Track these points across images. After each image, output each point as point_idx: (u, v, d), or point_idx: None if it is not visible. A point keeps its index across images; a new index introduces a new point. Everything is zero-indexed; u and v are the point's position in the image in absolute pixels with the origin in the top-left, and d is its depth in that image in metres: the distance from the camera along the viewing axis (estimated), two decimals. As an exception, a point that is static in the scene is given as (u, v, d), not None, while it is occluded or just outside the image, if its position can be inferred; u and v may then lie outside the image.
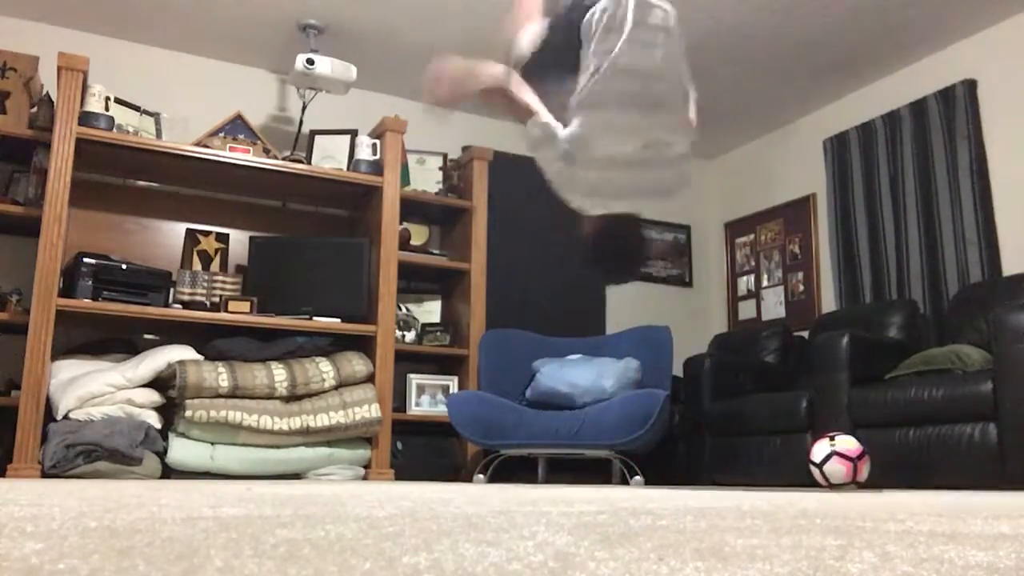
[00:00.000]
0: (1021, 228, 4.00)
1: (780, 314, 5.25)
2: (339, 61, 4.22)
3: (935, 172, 4.32)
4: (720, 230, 5.73)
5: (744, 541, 0.74)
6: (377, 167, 4.32)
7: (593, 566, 0.56)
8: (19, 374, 3.51)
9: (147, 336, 4.16)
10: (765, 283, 5.42)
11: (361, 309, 4.19)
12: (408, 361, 4.51)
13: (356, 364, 4.01)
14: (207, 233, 4.30)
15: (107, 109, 3.86)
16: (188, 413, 3.56)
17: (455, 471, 4.36)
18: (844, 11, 4.04)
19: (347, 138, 4.45)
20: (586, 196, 2.24)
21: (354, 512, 1.07)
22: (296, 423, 3.73)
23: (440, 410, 4.40)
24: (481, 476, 4.07)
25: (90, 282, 3.68)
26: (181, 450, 3.57)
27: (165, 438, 3.60)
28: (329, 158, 4.38)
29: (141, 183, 4.30)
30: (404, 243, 4.46)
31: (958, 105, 4.23)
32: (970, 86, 4.22)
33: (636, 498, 1.75)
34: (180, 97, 4.40)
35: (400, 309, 4.46)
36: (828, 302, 4.94)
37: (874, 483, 3.12)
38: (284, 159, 4.23)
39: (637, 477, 3.93)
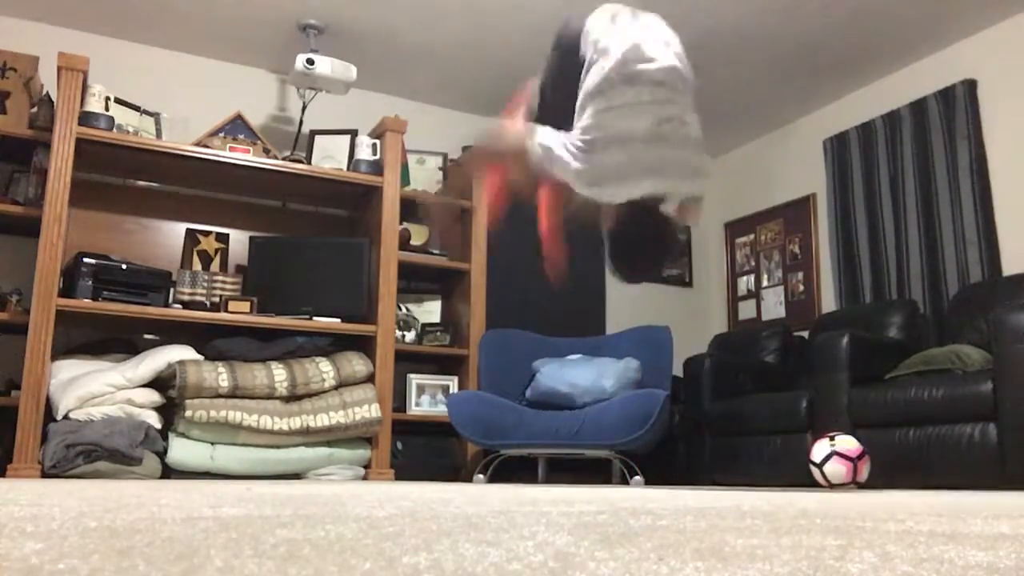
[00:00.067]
0: (1021, 228, 4.00)
1: (780, 314, 5.25)
2: (339, 61, 4.22)
3: (935, 172, 4.32)
4: (720, 230, 5.73)
5: (744, 541, 0.74)
6: (377, 167, 4.32)
7: (593, 566, 0.56)
8: (19, 374, 3.51)
9: (147, 336, 4.16)
10: (765, 283, 5.42)
11: (361, 309, 4.19)
12: (408, 361, 4.51)
13: (356, 364, 4.01)
14: (207, 233, 4.30)
15: (107, 109, 3.86)
16: (188, 413, 3.56)
17: (455, 471, 4.36)
18: (844, 11, 4.04)
19: (347, 138, 4.45)
20: (614, 182, 2.16)
21: (354, 512, 1.07)
22: (296, 423, 3.73)
23: (440, 410, 4.40)
24: (481, 476, 4.07)
25: (90, 282, 3.68)
26: (181, 450, 3.57)
27: (165, 438, 3.60)
28: (329, 158, 4.38)
29: (141, 183, 4.30)
30: (404, 243, 4.46)
31: (958, 105, 4.23)
32: (970, 86, 4.22)
33: (636, 498, 1.75)
34: (180, 97, 4.40)
35: (400, 309, 4.46)
36: (828, 302, 4.94)
37: (874, 483, 3.12)
38: (284, 159, 4.23)
39: (637, 477, 3.93)
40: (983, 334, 3.43)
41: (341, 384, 3.94)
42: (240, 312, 3.94)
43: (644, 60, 2.19)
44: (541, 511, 1.15)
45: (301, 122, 4.52)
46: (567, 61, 2.34)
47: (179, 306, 3.93)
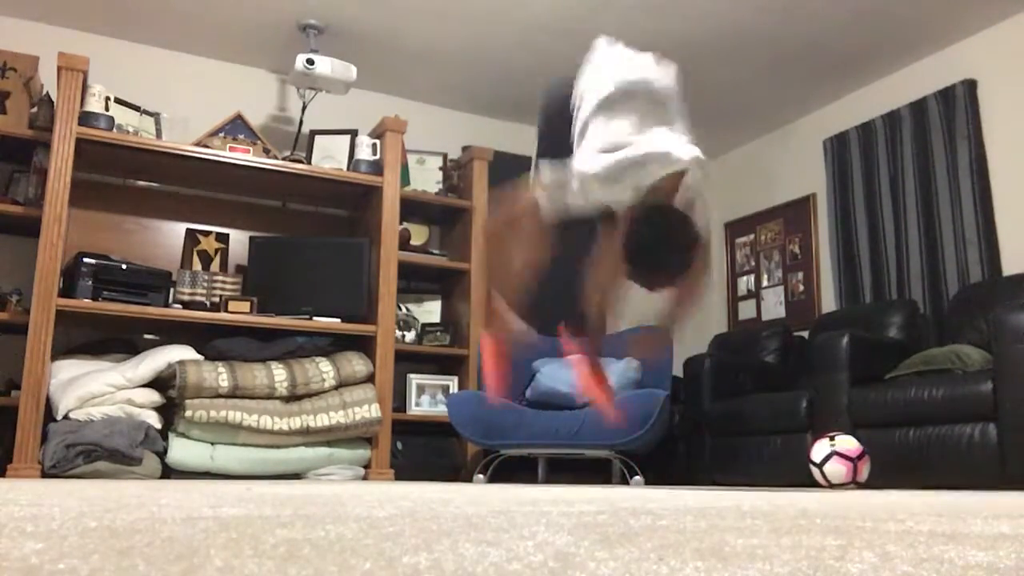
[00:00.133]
0: (1021, 228, 4.00)
1: (780, 314, 5.24)
2: (339, 61, 4.22)
3: (935, 172, 4.32)
4: (720, 230, 5.73)
5: (744, 541, 0.74)
6: (377, 167, 4.32)
7: (593, 566, 0.56)
8: (19, 374, 3.51)
9: (147, 336, 4.16)
10: (765, 283, 5.42)
11: (361, 309, 4.19)
12: (408, 361, 4.51)
13: (356, 364, 4.01)
14: (207, 233, 4.30)
15: (107, 109, 3.86)
16: (188, 413, 3.56)
17: (455, 471, 4.36)
18: (844, 11, 4.04)
19: (347, 138, 4.45)
20: (624, 179, 2.23)
21: (354, 512, 1.07)
22: (296, 423, 3.73)
23: (440, 410, 4.40)
24: (481, 476, 4.07)
25: (90, 282, 3.68)
26: (181, 450, 3.57)
27: (165, 438, 3.60)
28: (329, 158, 4.38)
29: (141, 183, 4.30)
30: (404, 243, 4.46)
31: (958, 105, 4.23)
32: (970, 86, 4.22)
33: (636, 498, 1.75)
34: (180, 97, 4.40)
35: (400, 309, 4.46)
36: (828, 302, 4.94)
37: (874, 483, 3.12)
38: (284, 159, 4.23)
39: (637, 477, 3.93)
40: (983, 334, 3.43)
41: (341, 384, 3.94)
42: (240, 312, 3.94)
43: (633, 78, 2.32)
44: (541, 511, 1.15)
45: (301, 122, 4.52)
46: (559, 121, 2.48)
47: (179, 306, 3.93)
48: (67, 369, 3.63)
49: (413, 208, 4.61)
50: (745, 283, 5.56)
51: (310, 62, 4.13)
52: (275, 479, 3.67)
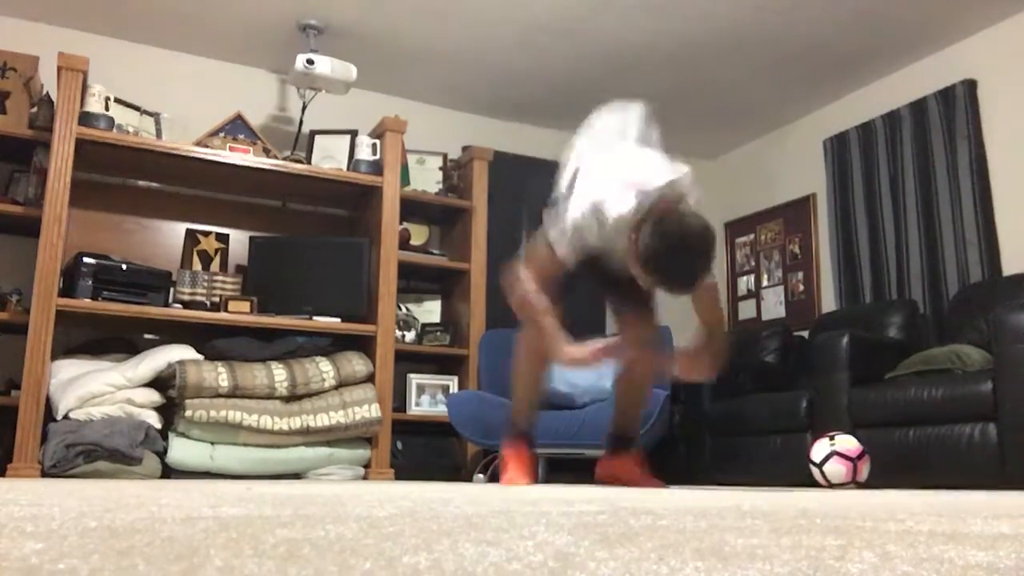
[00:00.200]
0: (1021, 228, 4.00)
1: (780, 314, 5.24)
2: (339, 61, 4.22)
3: (935, 172, 4.32)
4: (720, 230, 5.73)
5: (744, 541, 0.74)
6: (377, 167, 4.32)
7: (593, 566, 0.56)
8: (19, 374, 3.51)
9: (147, 336, 4.16)
10: (765, 283, 5.42)
11: (361, 309, 4.19)
12: (408, 361, 4.51)
13: (356, 364, 4.01)
14: (207, 233, 4.30)
15: (107, 109, 3.86)
16: (188, 413, 3.56)
17: (455, 471, 4.36)
18: (844, 11, 4.04)
19: (347, 138, 4.45)
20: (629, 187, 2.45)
21: (354, 512, 1.07)
22: (296, 423, 3.73)
23: (440, 410, 4.40)
24: (481, 476, 4.07)
25: (90, 282, 3.68)
26: (181, 450, 3.57)
27: (165, 438, 3.60)
28: (329, 158, 4.38)
29: (141, 183, 4.30)
30: (404, 243, 4.46)
31: (958, 105, 4.23)
32: (970, 86, 4.22)
33: (636, 498, 1.75)
34: (180, 97, 4.39)
35: (400, 309, 4.46)
36: (828, 302, 4.94)
37: (874, 483, 3.12)
38: (284, 159, 4.23)
39: (637, 477, 3.92)
40: (983, 334, 3.43)
41: (341, 384, 3.94)
42: (240, 312, 3.94)
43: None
44: (541, 511, 1.15)
45: (301, 122, 4.52)
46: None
47: (179, 306, 3.92)
48: (67, 369, 3.63)
49: (413, 208, 4.61)
50: (745, 283, 5.56)
51: (310, 62, 4.13)
52: (275, 479, 3.67)
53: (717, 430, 4.21)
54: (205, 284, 4.04)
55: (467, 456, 4.37)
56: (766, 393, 4.11)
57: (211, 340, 3.88)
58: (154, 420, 3.60)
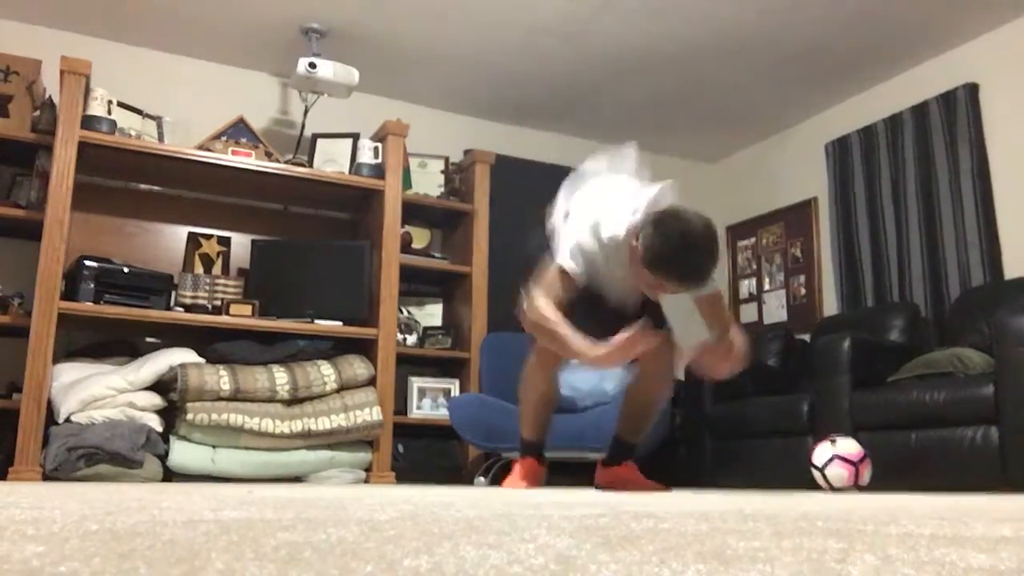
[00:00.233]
0: (1022, 231, 4.00)
1: (782, 317, 5.24)
2: (341, 65, 4.22)
3: (936, 175, 4.32)
4: (721, 233, 5.73)
5: (746, 544, 0.74)
6: (379, 170, 4.32)
7: (594, 569, 0.56)
8: (21, 377, 3.51)
9: (149, 339, 4.16)
10: (767, 286, 5.42)
11: (362, 312, 4.19)
12: (409, 364, 4.51)
13: (357, 367, 4.01)
14: (209, 236, 4.30)
15: (109, 113, 3.87)
16: (189, 416, 3.56)
17: (456, 474, 4.36)
18: (845, 15, 4.05)
19: (349, 141, 4.46)
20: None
21: (355, 515, 1.07)
22: (297, 426, 3.73)
23: (441, 413, 4.40)
24: (482, 479, 4.07)
25: (92, 285, 3.68)
26: (182, 453, 3.57)
27: (166, 441, 3.60)
28: (331, 161, 4.39)
29: (143, 186, 4.31)
30: (405, 246, 4.46)
31: (959, 108, 4.23)
32: (972, 89, 4.22)
33: (637, 501, 1.75)
34: (182, 101, 4.40)
35: (401, 312, 4.46)
36: (830, 305, 4.94)
37: (875, 486, 3.12)
38: (286, 163, 4.24)
39: (639, 480, 3.92)
40: (985, 337, 3.42)
41: (342, 387, 3.94)
42: (241, 315, 3.94)
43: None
44: (542, 514, 1.15)
45: (303, 125, 4.52)
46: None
47: (181, 309, 3.93)
48: (68, 372, 3.63)
49: (415, 211, 4.62)
50: (747, 286, 5.56)
51: (312, 66, 4.14)
52: (276, 482, 3.67)
53: (718, 433, 4.21)
54: (207, 287, 4.04)
55: (468, 459, 4.37)
56: (767, 396, 4.10)
57: (212, 343, 3.88)
58: (155, 423, 3.61)
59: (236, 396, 3.68)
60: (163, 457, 3.54)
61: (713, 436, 4.24)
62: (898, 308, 4.21)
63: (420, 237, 4.74)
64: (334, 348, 4.12)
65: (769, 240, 5.44)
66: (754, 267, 5.53)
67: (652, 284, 2.52)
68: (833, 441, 3.12)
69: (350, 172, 4.33)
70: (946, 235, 4.23)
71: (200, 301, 3.98)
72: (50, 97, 3.95)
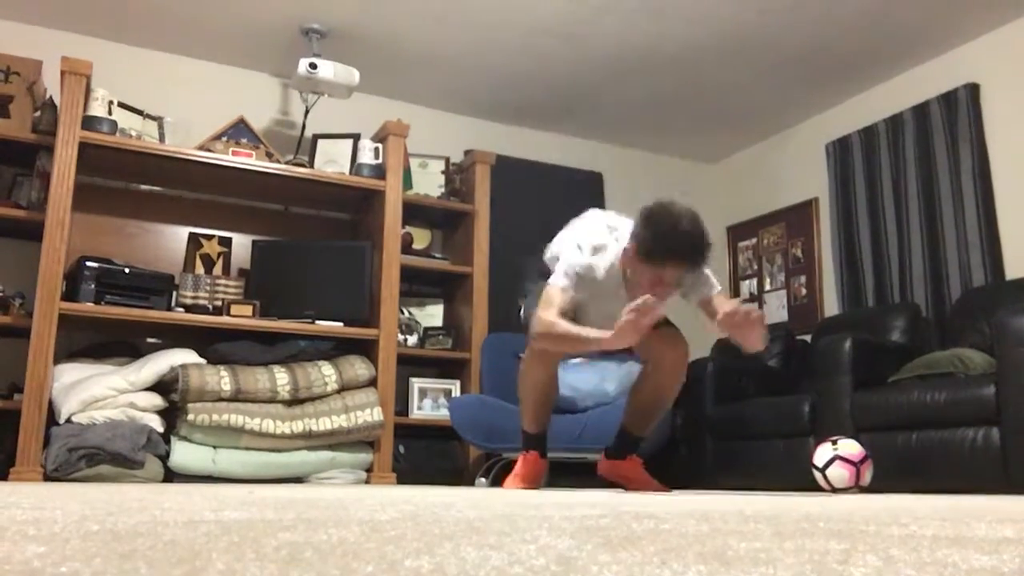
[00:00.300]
0: (1023, 231, 4.00)
1: (783, 318, 5.24)
2: (342, 65, 4.22)
3: (938, 176, 4.32)
4: (722, 234, 5.73)
5: (747, 545, 0.73)
6: (379, 171, 4.32)
7: (596, 570, 0.56)
8: (21, 378, 3.52)
9: (149, 340, 4.17)
10: (768, 287, 5.42)
11: (363, 313, 4.19)
12: (410, 365, 4.51)
13: (358, 368, 4.01)
14: (210, 237, 4.30)
15: (110, 113, 3.87)
16: (190, 417, 3.56)
17: (457, 475, 4.36)
18: (846, 15, 4.04)
19: (350, 142, 4.46)
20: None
21: (356, 516, 1.06)
22: (298, 427, 3.73)
23: (442, 414, 4.40)
24: (483, 480, 4.07)
25: (93, 286, 3.69)
26: (183, 454, 3.57)
27: (167, 442, 3.60)
28: (331, 162, 4.39)
29: (144, 187, 4.31)
30: (406, 247, 4.46)
31: (960, 109, 4.23)
32: (972, 90, 4.22)
33: (638, 502, 1.75)
34: (183, 101, 4.40)
35: (402, 313, 4.46)
36: (831, 306, 4.94)
37: (877, 487, 3.12)
38: (287, 163, 4.24)
39: (639, 481, 3.92)
40: (986, 337, 3.42)
41: (343, 388, 3.94)
42: (242, 316, 3.94)
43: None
44: (543, 515, 1.15)
45: (304, 126, 4.52)
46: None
47: (181, 310, 3.93)
48: (69, 373, 3.63)
49: (415, 212, 4.62)
50: (747, 287, 5.56)
51: (313, 66, 4.14)
52: (277, 483, 3.67)
53: (719, 434, 4.21)
54: (208, 288, 4.04)
55: (469, 460, 4.37)
56: (768, 397, 4.10)
57: (213, 344, 3.88)
58: (156, 424, 3.61)
59: (237, 397, 3.68)
60: (164, 458, 3.54)
61: (714, 437, 4.23)
62: (899, 308, 4.21)
63: (421, 237, 4.74)
64: (335, 349, 4.12)
65: (770, 240, 5.44)
66: (755, 267, 5.53)
67: (654, 280, 2.55)
68: (834, 442, 3.12)
69: (351, 172, 4.34)
70: (947, 235, 4.23)
71: (201, 301, 3.99)
72: (51, 98, 3.95)
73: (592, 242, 2.76)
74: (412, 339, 4.50)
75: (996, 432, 3.00)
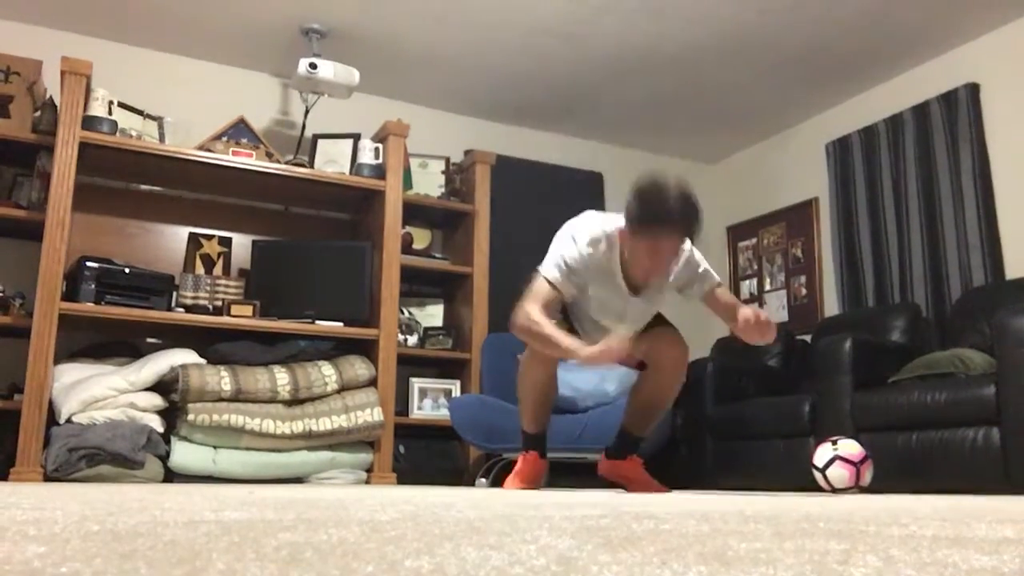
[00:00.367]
0: (1024, 231, 4.00)
1: (783, 318, 5.24)
2: (342, 65, 4.22)
3: (938, 175, 4.32)
4: (722, 234, 5.73)
5: (747, 545, 0.73)
6: (379, 171, 4.32)
7: (596, 570, 0.56)
8: (22, 378, 3.52)
9: (150, 340, 4.17)
10: (768, 287, 5.42)
11: (363, 313, 4.19)
12: (410, 365, 4.51)
13: (358, 368, 4.01)
14: (210, 237, 4.30)
15: (110, 113, 3.87)
16: (190, 417, 3.56)
17: (457, 475, 4.36)
18: (846, 15, 4.04)
19: (350, 142, 4.46)
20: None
21: (356, 516, 1.07)
22: (298, 427, 3.73)
23: (442, 414, 4.40)
24: (483, 480, 4.06)
25: (93, 286, 3.68)
26: (183, 454, 3.57)
27: (167, 442, 3.60)
28: (332, 162, 4.39)
29: (144, 187, 4.31)
30: (406, 247, 4.46)
31: (960, 109, 4.23)
32: (973, 90, 4.22)
33: (638, 502, 1.75)
34: (183, 101, 4.40)
35: (402, 313, 4.46)
36: (831, 306, 4.94)
37: (877, 487, 3.12)
38: (287, 163, 4.24)
39: (639, 481, 3.91)
40: (986, 338, 3.42)
41: (343, 388, 3.94)
42: (243, 316, 3.94)
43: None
44: (543, 515, 1.15)
45: (304, 126, 4.52)
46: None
47: (182, 310, 3.93)
48: (70, 373, 3.63)
49: (415, 212, 4.62)
50: (748, 287, 5.56)
51: (313, 66, 4.14)
52: (277, 483, 3.67)
53: (719, 434, 4.20)
54: (208, 288, 4.04)
55: (469, 460, 4.36)
56: (769, 397, 4.10)
57: (214, 344, 3.88)
58: (157, 424, 3.61)
59: (237, 397, 3.68)
60: (164, 458, 3.54)
61: (714, 437, 4.23)
62: (899, 308, 4.21)
63: (421, 238, 4.74)
64: (335, 349, 4.12)
65: (770, 240, 5.44)
66: (755, 267, 5.53)
67: (651, 255, 2.58)
68: (834, 442, 3.12)
69: (351, 173, 4.34)
70: (947, 235, 4.23)
71: (201, 302, 3.99)
72: (51, 98, 3.95)
73: (587, 234, 2.73)
74: (412, 339, 4.50)
75: (996, 432, 3.00)
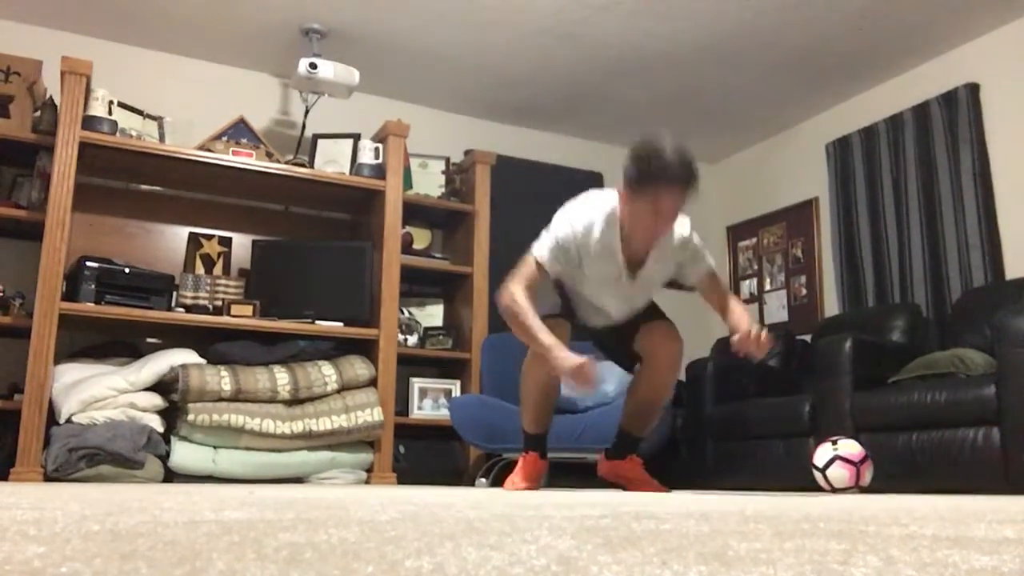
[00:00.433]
0: (1024, 232, 4.00)
1: (783, 318, 5.24)
2: (342, 65, 4.22)
3: (938, 175, 4.32)
4: (722, 234, 5.73)
5: (747, 545, 0.73)
6: (380, 171, 4.32)
7: (596, 570, 0.56)
8: (22, 378, 3.52)
9: (150, 340, 4.17)
10: (768, 287, 5.42)
11: (363, 313, 4.19)
12: (410, 365, 4.51)
13: (358, 368, 4.01)
14: (210, 237, 4.30)
15: (110, 113, 3.87)
16: (190, 417, 3.56)
17: (457, 475, 4.36)
18: (847, 15, 4.04)
19: (350, 142, 4.46)
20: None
21: (356, 516, 1.07)
22: (298, 427, 3.73)
23: (442, 414, 4.40)
24: (483, 480, 4.07)
25: (93, 286, 3.69)
26: (183, 454, 3.57)
27: (167, 442, 3.60)
28: (332, 162, 4.39)
29: (144, 187, 4.31)
30: (406, 247, 4.46)
31: (961, 109, 4.23)
32: (973, 90, 4.22)
33: (638, 502, 1.75)
34: (183, 101, 4.40)
35: (402, 313, 4.46)
36: (831, 306, 4.94)
37: (877, 487, 3.12)
38: (287, 163, 4.24)
39: (639, 481, 3.91)
40: (986, 338, 3.42)
41: (343, 388, 3.94)
42: (243, 316, 3.94)
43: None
44: (543, 515, 1.15)
45: (304, 126, 4.52)
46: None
47: (182, 310, 3.93)
48: (70, 373, 3.63)
49: (415, 212, 4.62)
50: (748, 287, 5.56)
51: (313, 66, 4.14)
52: (277, 483, 3.67)
53: (719, 434, 4.20)
54: (208, 288, 4.04)
55: (469, 460, 4.36)
56: (768, 397, 4.10)
57: (214, 344, 3.88)
58: (157, 424, 3.61)
59: (237, 397, 3.68)
60: (164, 458, 3.54)
61: (714, 437, 4.23)
62: (899, 309, 4.21)
63: (421, 238, 4.74)
64: (335, 349, 4.12)
65: (770, 240, 5.44)
66: (755, 267, 5.53)
67: (651, 212, 2.57)
68: (834, 442, 3.12)
69: (351, 173, 4.34)
70: (947, 235, 4.23)
71: (201, 302, 3.99)
72: (51, 98, 3.95)
73: (582, 213, 2.70)
74: (412, 339, 4.50)
75: (996, 432, 3.00)
